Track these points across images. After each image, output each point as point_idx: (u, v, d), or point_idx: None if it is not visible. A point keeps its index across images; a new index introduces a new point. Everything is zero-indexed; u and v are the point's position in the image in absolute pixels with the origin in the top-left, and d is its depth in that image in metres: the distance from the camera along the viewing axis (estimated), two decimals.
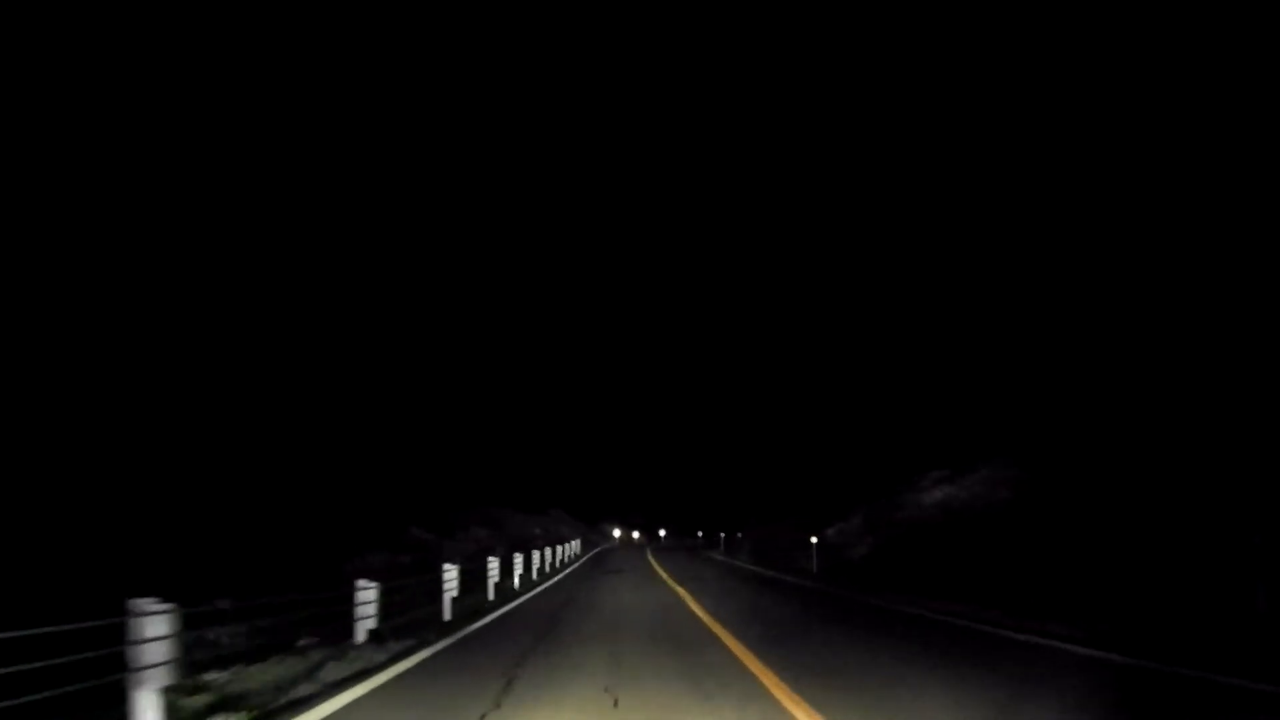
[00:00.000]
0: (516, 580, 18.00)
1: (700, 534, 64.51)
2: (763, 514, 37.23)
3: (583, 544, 45.53)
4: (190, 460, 18.40)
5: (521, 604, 14.05)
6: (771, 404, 41.24)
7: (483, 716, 4.98)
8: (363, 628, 7.98)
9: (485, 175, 67.14)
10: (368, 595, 7.98)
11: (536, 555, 21.77)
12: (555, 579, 21.24)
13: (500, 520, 38.08)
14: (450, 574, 11.49)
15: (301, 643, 8.57)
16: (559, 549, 29.09)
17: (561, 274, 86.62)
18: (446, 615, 11.32)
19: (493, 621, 11.32)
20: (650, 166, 77.01)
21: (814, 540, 21.28)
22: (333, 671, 6.57)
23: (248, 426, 23.34)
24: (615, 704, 5.21)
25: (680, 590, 15.73)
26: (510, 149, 69.47)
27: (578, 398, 74.07)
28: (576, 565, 29.49)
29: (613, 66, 62.94)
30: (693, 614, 11.35)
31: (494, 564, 14.97)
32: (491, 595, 14.75)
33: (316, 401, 28.69)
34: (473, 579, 15.21)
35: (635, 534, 79.26)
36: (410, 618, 10.58)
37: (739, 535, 41.11)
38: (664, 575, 21.59)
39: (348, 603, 8.15)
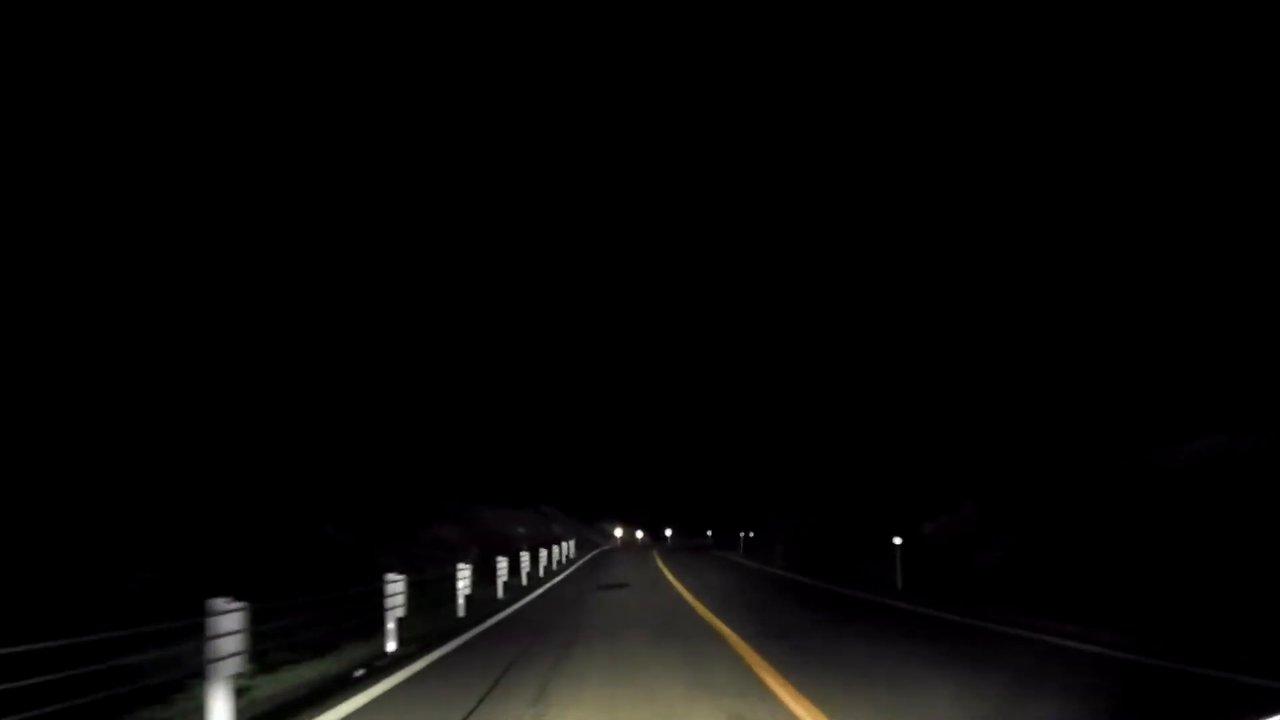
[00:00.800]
0: (462, 606, 11.46)
1: (710, 533, 58.12)
2: (793, 508, 30.52)
3: (578, 545, 38.92)
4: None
5: (434, 666, 7.45)
6: (808, 366, 34.25)
7: None
8: None
9: (470, 145, 60.49)
10: None
11: (503, 565, 15.20)
12: (531, 596, 14.73)
13: (475, 517, 31.45)
14: (222, 625, 4.91)
15: None
16: (545, 553, 22.51)
17: (552, 243, 79.71)
18: None
19: None
20: (660, 139, 70.15)
21: (897, 541, 14.69)
22: None
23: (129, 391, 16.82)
24: None
25: (737, 640, 9.20)
26: (503, 135, 63.25)
27: (572, 381, 67.42)
28: (566, 574, 22.87)
29: (612, 66, 57.27)
30: None
31: (398, 587, 8.40)
32: (391, 645, 8.18)
33: (232, 370, 22.18)
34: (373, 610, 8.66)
35: (639, 533, 72.48)
36: None
37: (751, 535, 34.59)
38: (688, 595, 15.05)
39: None
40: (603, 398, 73.35)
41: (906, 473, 17.39)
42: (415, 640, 9.12)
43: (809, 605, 12.84)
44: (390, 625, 8.16)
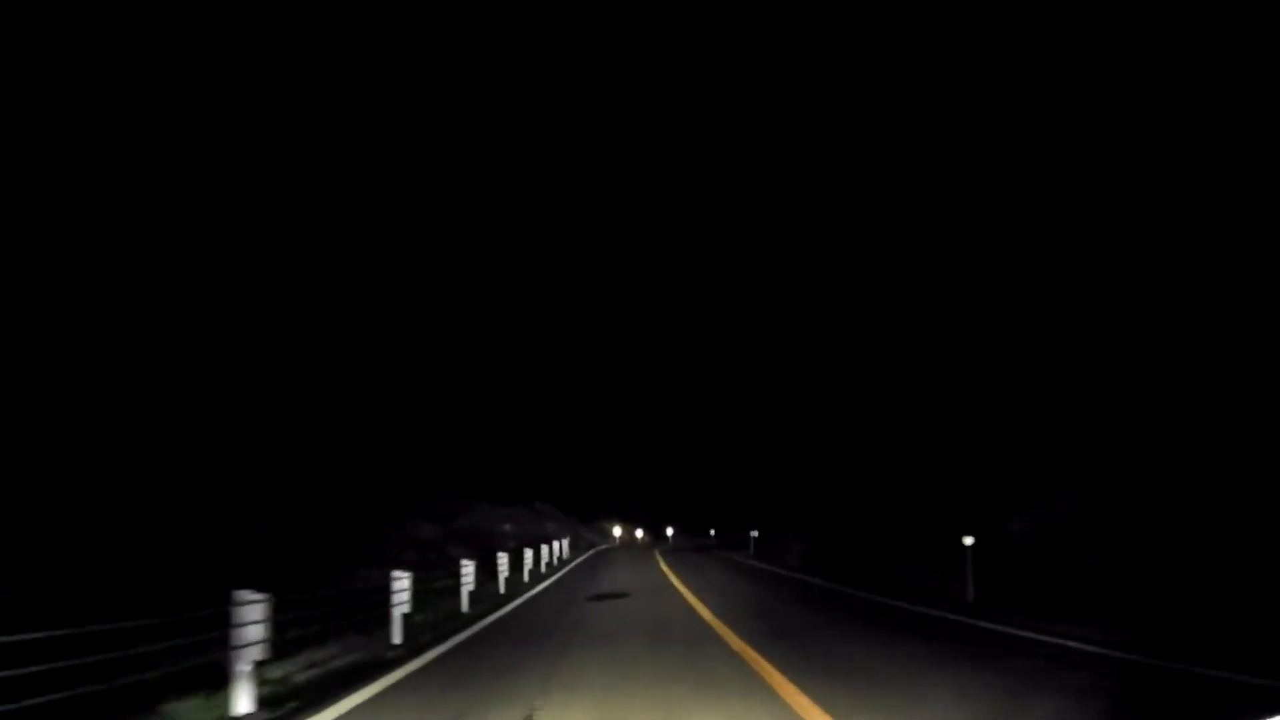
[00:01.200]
0: (398, 629, 8.41)
1: (712, 532, 55.16)
2: (812, 504, 27.45)
3: (573, 544, 35.88)
4: None
5: None
6: (828, 342, 31.00)
7: None
8: None
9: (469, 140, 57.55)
10: None
11: (469, 571, 12.15)
12: (509, 608, 11.71)
13: (461, 514, 28.45)
14: None
15: None
16: (529, 554, 19.47)
17: (551, 236, 76.68)
18: None
19: None
20: (665, 134, 67.25)
21: (968, 542, 11.64)
22: None
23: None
24: None
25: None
26: (502, 135, 60.86)
27: (570, 376, 64.45)
28: (557, 576, 19.82)
29: (612, 66, 55.23)
30: None
31: (253, 613, 5.34)
32: (244, 704, 5.14)
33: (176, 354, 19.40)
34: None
35: (639, 532, 69.42)
36: None
37: (757, 534, 31.70)
38: (706, 612, 12.05)
39: None
40: (601, 393, 70.34)
41: (974, 457, 14.21)
42: (302, 688, 6.10)
43: (871, 628, 9.81)
44: (243, 673, 5.11)
